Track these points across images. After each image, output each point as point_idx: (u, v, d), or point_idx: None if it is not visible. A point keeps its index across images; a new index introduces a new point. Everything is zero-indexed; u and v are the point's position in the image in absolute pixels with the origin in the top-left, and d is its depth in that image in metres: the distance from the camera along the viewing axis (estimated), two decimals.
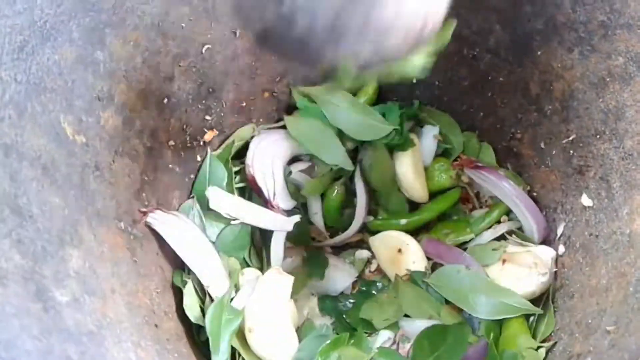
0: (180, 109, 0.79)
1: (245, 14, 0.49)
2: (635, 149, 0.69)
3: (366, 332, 0.79)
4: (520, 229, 0.84)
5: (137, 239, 0.71)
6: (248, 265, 0.81)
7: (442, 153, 0.90)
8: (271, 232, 0.82)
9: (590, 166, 0.75)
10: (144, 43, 0.71)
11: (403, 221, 0.85)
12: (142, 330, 0.64)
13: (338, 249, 0.88)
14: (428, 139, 0.89)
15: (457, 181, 0.88)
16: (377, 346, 0.77)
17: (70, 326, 0.53)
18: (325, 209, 0.86)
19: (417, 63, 0.53)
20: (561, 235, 0.80)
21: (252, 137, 0.86)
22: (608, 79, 0.70)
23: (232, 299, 0.75)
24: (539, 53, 0.77)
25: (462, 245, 0.84)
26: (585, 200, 0.76)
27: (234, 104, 0.85)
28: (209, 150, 0.84)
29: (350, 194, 0.87)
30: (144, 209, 0.73)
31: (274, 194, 0.82)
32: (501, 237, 0.84)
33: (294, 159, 0.88)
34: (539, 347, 0.73)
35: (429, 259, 0.82)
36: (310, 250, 0.86)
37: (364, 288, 0.85)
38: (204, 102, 0.82)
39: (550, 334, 0.74)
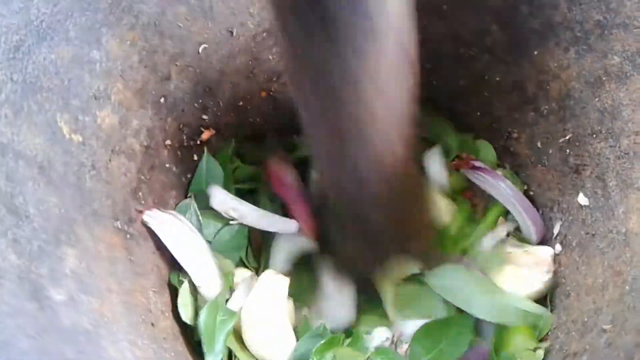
0: (177, 109, 0.79)
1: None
2: (631, 148, 0.69)
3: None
4: (517, 229, 0.84)
5: (133, 238, 0.71)
6: (245, 266, 0.81)
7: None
8: (271, 234, 0.82)
9: (587, 165, 0.75)
10: (140, 42, 0.71)
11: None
12: (138, 329, 0.64)
13: None
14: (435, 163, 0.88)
15: (464, 182, 0.87)
16: (374, 346, 0.76)
17: (66, 325, 0.52)
18: None
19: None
20: (557, 234, 0.80)
21: None
22: (604, 78, 0.70)
23: (227, 300, 0.75)
24: (535, 53, 0.77)
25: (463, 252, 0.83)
26: (582, 199, 0.76)
27: (230, 103, 0.85)
28: (205, 149, 0.84)
29: None
30: (141, 208, 0.73)
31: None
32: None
33: None
34: (536, 348, 0.72)
35: None
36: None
37: None
38: (200, 101, 0.82)
39: (547, 333, 0.74)
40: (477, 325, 0.76)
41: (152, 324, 0.68)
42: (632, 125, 0.68)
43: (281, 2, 0.51)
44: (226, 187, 0.83)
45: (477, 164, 0.85)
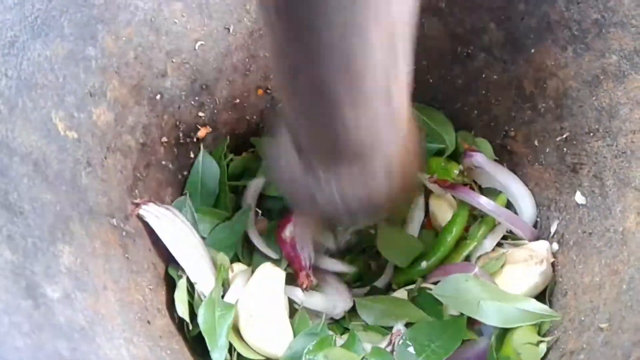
0: (173, 106, 0.79)
1: (286, 188, 0.69)
2: (628, 146, 0.69)
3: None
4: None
5: (129, 236, 0.70)
6: (239, 260, 0.81)
7: (437, 152, 0.89)
8: None
9: (584, 164, 0.75)
10: (136, 39, 0.71)
11: (424, 264, 0.82)
12: (134, 327, 0.64)
13: None
14: None
15: (463, 177, 0.87)
16: (371, 346, 0.75)
17: (61, 322, 0.52)
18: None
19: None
20: (555, 233, 0.80)
21: None
22: (602, 77, 0.70)
23: (223, 295, 0.75)
24: (532, 51, 0.77)
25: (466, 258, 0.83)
26: (579, 198, 0.76)
27: (227, 100, 0.85)
28: (202, 147, 0.84)
29: None
30: (137, 201, 0.73)
31: (309, 266, 0.80)
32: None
33: None
34: (539, 342, 0.72)
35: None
36: None
37: None
38: (197, 98, 0.81)
39: (547, 332, 0.74)
40: (477, 324, 0.76)
41: (148, 322, 0.68)
42: (629, 124, 0.68)
43: None
44: (221, 184, 0.83)
45: (477, 156, 0.84)
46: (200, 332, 0.71)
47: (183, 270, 0.74)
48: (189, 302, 0.73)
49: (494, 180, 0.85)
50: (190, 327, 0.73)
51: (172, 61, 0.76)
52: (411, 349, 0.73)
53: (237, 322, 0.74)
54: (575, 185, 0.76)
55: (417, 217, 0.88)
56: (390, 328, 0.77)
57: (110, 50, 0.68)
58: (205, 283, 0.74)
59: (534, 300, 0.72)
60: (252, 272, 0.79)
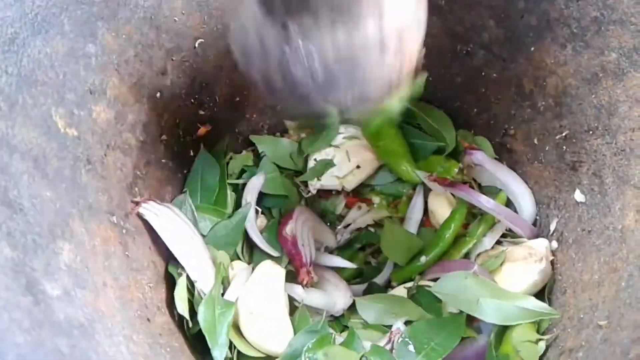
0: (173, 104, 0.79)
1: (248, 59, 0.55)
2: (627, 144, 0.69)
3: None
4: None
5: (129, 233, 0.70)
6: (239, 258, 0.81)
7: (437, 150, 0.90)
8: None
9: (583, 162, 0.75)
10: (136, 36, 0.71)
11: (423, 259, 0.83)
12: (134, 325, 0.64)
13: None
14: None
15: (463, 176, 0.87)
16: (370, 344, 0.75)
17: (61, 319, 0.52)
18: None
19: (394, 105, 0.58)
20: (554, 231, 0.80)
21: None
22: (601, 75, 0.70)
23: (223, 293, 0.75)
24: (532, 49, 0.77)
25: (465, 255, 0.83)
26: (578, 196, 0.76)
27: (227, 98, 0.85)
28: (202, 145, 0.84)
29: None
30: (137, 200, 0.73)
31: (310, 262, 0.80)
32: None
33: None
34: (538, 340, 0.72)
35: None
36: None
37: None
38: (197, 96, 0.81)
39: (546, 329, 0.74)
40: (476, 322, 0.76)
41: (148, 319, 0.68)
42: (628, 122, 0.68)
43: None
44: (221, 182, 0.83)
45: (477, 154, 0.85)
46: (200, 330, 0.71)
47: (183, 268, 0.75)
48: (188, 299, 0.74)
49: (494, 178, 0.85)
50: (190, 325, 0.73)
51: (172, 59, 0.76)
52: (411, 347, 0.73)
53: (237, 320, 0.74)
54: (575, 183, 0.76)
55: (416, 215, 0.88)
56: (390, 326, 0.77)
57: (110, 47, 0.68)
58: (205, 281, 0.75)
59: (533, 298, 0.73)
60: (253, 269, 0.79)
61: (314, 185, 0.87)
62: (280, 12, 0.50)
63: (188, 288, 0.74)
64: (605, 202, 0.72)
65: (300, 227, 0.80)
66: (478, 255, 0.81)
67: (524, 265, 0.76)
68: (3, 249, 0.50)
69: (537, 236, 0.81)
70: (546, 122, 0.79)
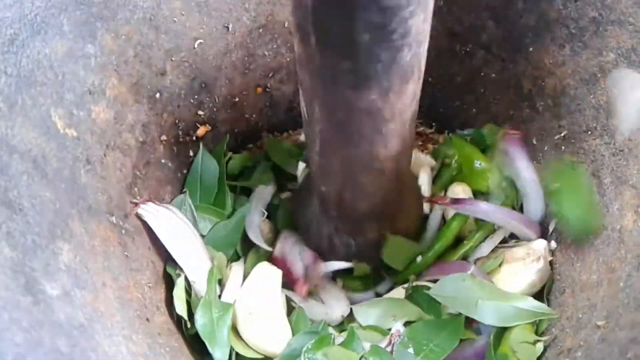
0: (172, 104, 0.79)
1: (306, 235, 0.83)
2: (626, 145, 0.69)
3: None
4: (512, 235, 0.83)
5: (128, 234, 0.71)
6: (239, 258, 0.82)
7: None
8: None
9: (582, 162, 0.75)
10: (135, 37, 0.71)
11: (419, 259, 0.82)
12: (133, 324, 0.64)
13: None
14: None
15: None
16: (370, 345, 0.75)
17: (60, 319, 0.52)
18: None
19: None
20: (553, 231, 0.80)
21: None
22: (599, 75, 0.70)
23: (220, 295, 0.75)
24: (531, 49, 0.77)
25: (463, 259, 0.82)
26: None
27: (226, 99, 0.85)
28: (201, 145, 0.84)
29: None
30: (136, 201, 0.73)
31: (303, 275, 0.80)
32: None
33: None
34: (536, 341, 0.72)
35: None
36: None
37: None
38: (196, 97, 0.82)
39: (545, 330, 0.75)
40: (476, 323, 0.76)
41: (147, 319, 0.68)
42: None
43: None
44: (220, 183, 0.83)
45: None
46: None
47: (181, 269, 0.75)
48: (187, 300, 0.74)
49: (512, 167, 0.83)
50: (189, 325, 0.73)
51: (172, 59, 0.76)
52: (410, 349, 0.73)
53: (235, 321, 0.74)
54: None
55: (432, 228, 0.87)
56: (390, 328, 0.77)
57: (110, 48, 0.69)
58: (203, 282, 0.75)
59: (532, 299, 0.73)
60: (245, 268, 0.79)
61: None
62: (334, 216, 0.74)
63: (186, 289, 0.74)
64: (604, 202, 0.72)
65: (289, 247, 0.81)
66: (476, 260, 0.81)
67: (522, 266, 0.76)
68: (3, 249, 0.50)
69: (543, 234, 0.81)
70: (545, 123, 0.79)
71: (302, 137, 0.92)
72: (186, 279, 0.74)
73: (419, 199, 0.83)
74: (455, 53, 0.84)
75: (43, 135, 0.60)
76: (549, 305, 0.75)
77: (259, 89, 0.88)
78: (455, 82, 0.87)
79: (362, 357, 0.73)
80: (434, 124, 0.94)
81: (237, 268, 0.79)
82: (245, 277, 0.78)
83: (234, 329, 0.74)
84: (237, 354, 0.73)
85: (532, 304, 0.72)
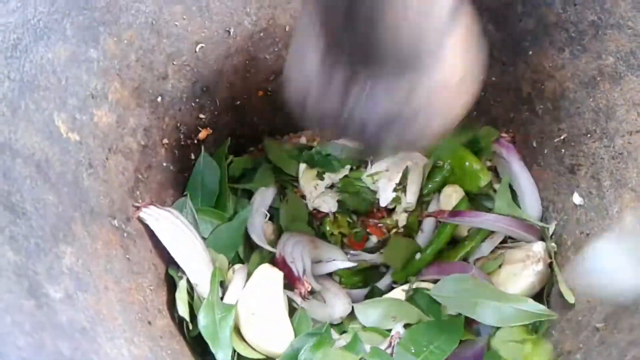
0: (174, 108, 0.80)
1: (307, 115, 0.57)
2: (625, 147, 0.69)
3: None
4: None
5: (130, 237, 0.71)
6: (240, 260, 0.82)
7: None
8: None
9: (582, 165, 0.75)
10: (137, 41, 0.72)
11: (418, 255, 0.83)
12: (135, 327, 0.64)
13: None
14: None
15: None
16: (370, 346, 0.75)
17: (63, 322, 0.53)
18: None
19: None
20: (552, 234, 0.80)
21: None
22: (599, 79, 0.71)
23: (222, 297, 0.75)
24: (530, 53, 0.77)
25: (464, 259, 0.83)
26: (577, 199, 0.76)
27: (227, 102, 0.86)
28: (202, 148, 0.84)
29: None
30: (138, 204, 0.73)
31: (303, 272, 0.81)
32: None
33: None
34: (524, 340, 0.73)
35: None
36: None
37: None
38: (197, 100, 0.82)
39: (545, 331, 0.75)
40: (475, 324, 0.76)
41: (149, 322, 0.68)
42: (626, 125, 0.69)
43: None
44: (222, 186, 0.84)
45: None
46: (200, 332, 0.72)
47: (183, 272, 0.75)
48: (189, 303, 0.74)
49: (507, 170, 0.84)
50: (191, 327, 0.73)
51: (173, 63, 0.77)
52: (410, 351, 0.73)
53: (237, 322, 0.74)
54: (573, 186, 0.77)
55: (427, 228, 0.87)
56: (390, 330, 0.77)
57: (112, 52, 0.69)
58: (205, 285, 0.75)
59: (531, 300, 0.73)
60: (248, 270, 0.80)
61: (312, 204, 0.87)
62: (348, 60, 0.52)
63: (188, 291, 0.74)
64: (603, 204, 0.72)
65: (290, 248, 0.81)
66: (476, 260, 0.81)
67: (521, 267, 0.77)
68: (6, 253, 0.51)
69: (541, 237, 0.81)
70: (544, 126, 0.79)
71: (303, 140, 0.92)
72: (188, 281, 0.75)
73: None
74: None
75: (46, 139, 0.60)
76: (549, 308, 0.75)
77: (260, 92, 0.88)
78: None
79: (361, 359, 0.73)
80: None
81: (240, 270, 0.79)
82: (247, 279, 0.79)
83: (237, 330, 0.75)
84: (239, 354, 0.74)
85: (532, 305, 0.72)
